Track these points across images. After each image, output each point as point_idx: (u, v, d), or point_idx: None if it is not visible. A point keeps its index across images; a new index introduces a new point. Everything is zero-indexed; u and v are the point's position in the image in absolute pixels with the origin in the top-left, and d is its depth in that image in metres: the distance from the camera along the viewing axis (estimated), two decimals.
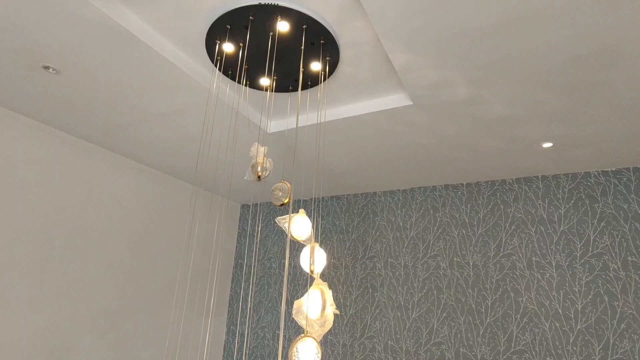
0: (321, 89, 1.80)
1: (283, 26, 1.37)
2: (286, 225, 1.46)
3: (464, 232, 2.72)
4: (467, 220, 2.73)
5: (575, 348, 2.25)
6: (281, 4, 1.30)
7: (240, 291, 3.41)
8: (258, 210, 3.62)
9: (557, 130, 1.98)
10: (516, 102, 1.74)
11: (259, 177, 1.54)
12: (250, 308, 3.30)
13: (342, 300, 2.96)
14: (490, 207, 2.70)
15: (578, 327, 2.27)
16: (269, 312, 3.24)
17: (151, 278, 2.80)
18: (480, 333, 2.48)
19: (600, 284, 2.28)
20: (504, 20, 1.27)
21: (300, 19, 1.34)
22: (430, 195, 2.88)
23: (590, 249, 2.36)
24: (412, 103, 1.79)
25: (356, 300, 2.91)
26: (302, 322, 1.14)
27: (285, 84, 1.71)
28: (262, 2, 1.29)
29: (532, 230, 2.53)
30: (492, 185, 2.71)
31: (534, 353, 2.32)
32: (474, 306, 2.55)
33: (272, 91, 1.76)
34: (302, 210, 1.48)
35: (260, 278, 3.36)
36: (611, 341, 2.18)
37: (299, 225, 1.41)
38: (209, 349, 3.13)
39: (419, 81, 1.61)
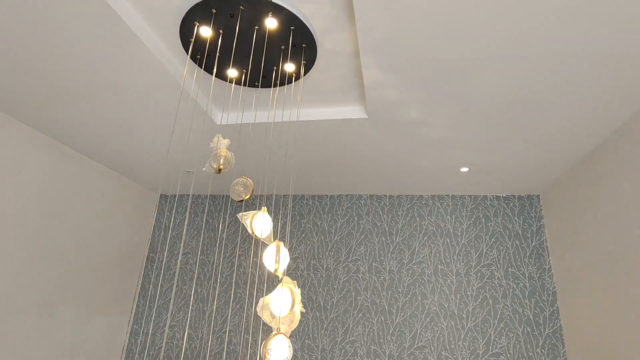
0: (301, 89, 1.82)
1: (271, 23, 1.37)
2: (248, 221, 1.45)
3: (383, 239, 2.97)
4: (387, 229, 2.99)
5: (464, 343, 2.64)
6: (277, 1, 1.30)
7: (150, 287, 3.16)
8: (175, 201, 3.41)
9: (475, 158, 2.33)
10: (451, 130, 2.00)
11: (219, 170, 1.50)
12: (157, 305, 3.07)
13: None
14: (408, 218, 3.00)
15: (468, 325, 2.67)
16: (182, 310, 3.07)
17: (45, 271, 2.43)
18: (390, 331, 2.74)
19: (487, 290, 2.71)
20: (465, 60, 1.48)
21: (289, 20, 1.36)
22: (356, 203, 3.09)
23: (482, 260, 2.80)
24: (367, 117, 1.92)
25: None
26: (267, 319, 1.16)
27: (253, 79, 1.69)
28: None
29: (440, 241, 2.89)
30: (411, 199, 3.02)
31: (432, 348, 2.65)
32: (386, 307, 2.81)
33: (244, 85, 1.71)
34: (264, 208, 1.48)
35: (174, 274, 3.16)
36: (492, 338, 2.61)
37: (261, 223, 1.40)
38: (104, 350, 2.82)
39: (380, 98, 1.75)
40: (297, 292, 1.24)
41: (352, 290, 2.88)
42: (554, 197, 2.64)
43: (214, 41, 1.45)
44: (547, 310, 2.59)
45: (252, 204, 3.14)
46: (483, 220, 2.89)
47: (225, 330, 3.00)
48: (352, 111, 1.93)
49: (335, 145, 2.24)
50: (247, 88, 1.82)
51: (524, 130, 1.96)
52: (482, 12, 1.26)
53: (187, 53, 1.55)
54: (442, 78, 1.59)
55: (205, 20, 1.38)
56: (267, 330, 2.84)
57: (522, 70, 1.52)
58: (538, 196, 2.85)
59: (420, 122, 1.94)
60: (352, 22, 1.40)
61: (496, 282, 2.72)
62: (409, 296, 2.80)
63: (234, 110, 2.08)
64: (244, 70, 1.62)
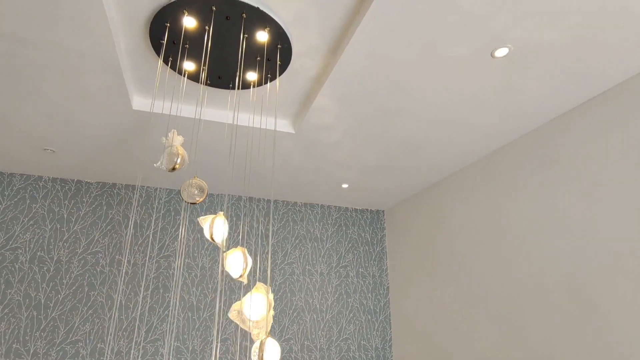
0: (275, 93, 1.81)
1: (262, 36, 1.41)
2: (206, 225, 1.44)
3: (259, 242, 3.18)
4: (263, 232, 3.20)
5: (323, 332, 3.11)
6: (277, 20, 1.35)
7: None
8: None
9: (357, 178, 2.78)
10: (353, 154, 2.38)
11: (174, 168, 1.42)
12: None
13: (124, 302, 2.73)
14: (282, 222, 3.28)
15: (326, 317, 3.17)
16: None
17: None
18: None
19: (342, 287, 3.27)
20: (397, 109, 1.84)
21: (278, 37, 1.42)
22: (235, 204, 3.18)
23: (341, 262, 3.34)
24: (294, 132, 2.10)
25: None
26: (243, 325, 1.23)
27: (210, 76, 1.65)
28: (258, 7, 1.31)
29: (308, 245, 3.29)
30: (286, 205, 3.31)
31: (296, 340, 3.02)
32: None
33: (203, 83, 1.63)
34: (221, 213, 1.48)
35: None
36: (343, 326, 3.18)
37: (219, 230, 1.42)
38: None
39: (317, 121, 1.96)
40: (270, 297, 1.32)
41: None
42: (394, 213, 3.38)
43: (191, 31, 1.38)
44: (382, 302, 3.32)
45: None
46: (344, 228, 3.43)
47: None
48: (283, 125, 2.08)
49: (249, 151, 2.32)
50: (193, 83, 1.73)
51: (401, 164, 2.51)
52: (421, 83, 1.64)
53: (149, 38, 1.40)
54: (375, 118, 1.93)
55: (193, 11, 1.31)
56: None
57: (425, 120, 2.00)
58: (383, 211, 3.58)
59: (335, 145, 2.24)
60: (327, 54, 1.57)
61: (349, 280, 3.30)
62: (279, 294, 3.10)
63: (163, 100, 1.91)
64: (204, 67, 1.57)
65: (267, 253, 3.15)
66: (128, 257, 2.84)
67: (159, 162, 1.44)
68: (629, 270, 1.60)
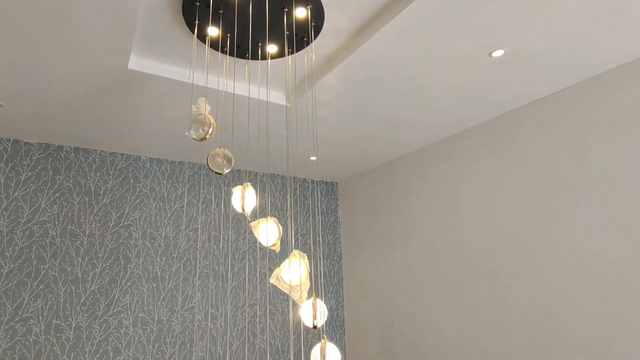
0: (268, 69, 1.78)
1: (301, 12, 1.42)
2: (237, 195, 1.46)
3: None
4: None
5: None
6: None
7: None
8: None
9: (326, 152, 2.92)
10: (333, 130, 2.51)
11: (204, 138, 1.39)
12: None
13: (80, 276, 2.54)
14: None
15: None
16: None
17: None
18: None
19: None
20: (386, 94, 2.01)
21: (315, 15, 1.44)
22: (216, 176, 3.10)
23: (300, 231, 3.49)
24: (287, 105, 2.14)
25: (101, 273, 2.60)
26: (282, 287, 1.32)
27: (224, 46, 1.60)
28: None
29: (270, 215, 3.36)
30: (249, 174, 3.32)
31: (260, 304, 3.14)
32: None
33: (227, 52, 1.56)
34: (248, 184, 1.51)
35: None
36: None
37: (251, 200, 1.45)
38: None
39: (316, 97, 2.03)
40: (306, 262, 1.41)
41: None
42: (348, 186, 3.63)
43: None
44: (336, 267, 3.59)
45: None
46: (302, 199, 3.57)
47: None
48: (278, 97, 2.10)
49: (243, 117, 2.28)
50: (202, 47, 1.65)
51: (371, 140, 2.72)
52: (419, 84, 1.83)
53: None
54: (370, 99, 2.08)
55: None
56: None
57: (409, 104, 2.21)
58: (337, 183, 3.79)
59: (321, 120, 2.33)
60: (348, 37, 1.63)
61: (307, 248, 3.49)
62: (243, 262, 3.15)
63: (170, 64, 1.77)
64: (228, 34, 1.52)
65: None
66: (84, 228, 2.62)
67: (189, 131, 1.40)
68: (560, 234, 2.05)
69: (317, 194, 3.64)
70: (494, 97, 2.17)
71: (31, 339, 2.33)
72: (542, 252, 2.13)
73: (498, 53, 1.71)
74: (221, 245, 3.08)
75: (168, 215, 2.92)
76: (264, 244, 1.47)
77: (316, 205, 3.62)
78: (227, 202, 3.19)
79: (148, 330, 2.66)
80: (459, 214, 2.60)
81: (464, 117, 2.41)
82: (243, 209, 1.47)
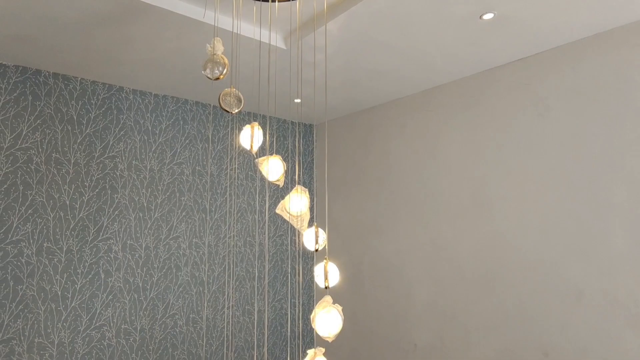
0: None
1: None
2: (246, 134, 1.58)
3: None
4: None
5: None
6: None
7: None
8: None
9: (310, 94, 3.02)
10: (323, 74, 2.60)
11: (218, 78, 1.48)
12: None
13: (68, 203, 2.59)
14: (227, 130, 3.36)
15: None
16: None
17: None
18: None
19: (279, 192, 3.64)
20: (380, 47, 2.12)
21: None
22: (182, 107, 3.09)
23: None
24: (285, 48, 2.20)
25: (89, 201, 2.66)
26: (286, 217, 1.52)
27: None
28: None
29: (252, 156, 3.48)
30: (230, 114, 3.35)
31: (240, 236, 3.35)
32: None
33: None
34: (255, 123, 1.62)
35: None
36: (279, 224, 3.63)
37: (258, 139, 1.59)
38: None
39: (314, 43, 2.10)
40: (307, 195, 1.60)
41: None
42: (325, 129, 3.79)
43: None
44: (310, 205, 3.85)
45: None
46: (282, 139, 3.69)
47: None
48: (277, 39, 2.15)
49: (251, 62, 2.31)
50: None
51: (355, 86, 2.86)
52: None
53: None
54: (363, 49, 2.18)
55: None
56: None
57: (398, 55, 2.34)
58: (313, 125, 3.93)
59: (310, 66, 2.41)
60: None
61: (285, 187, 3.69)
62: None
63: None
64: None
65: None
66: (68, 157, 2.63)
67: (205, 70, 1.47)
68: (515, 184, 2.39)
69: (297, 135, 3.78)
70: (476, 57, 2.35)
71: (23, 260, 2.42)
72: (498, 198, 2.47)
73: (488, 16, 1.86)
74: (204, 180, 3.20)
75: (152, 149, 2.96)
76: (270, 179, 1.64)
77: (294, 145, 3.77)
78: (211, 139, 3.26)
79: (136, 255, 2.82)
80: (432, 162, 2.88)
81: (446, 72, 2.59)
82: (251, 147, 1.61)
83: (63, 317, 2.51)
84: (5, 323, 2.34)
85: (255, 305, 3.31)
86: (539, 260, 2.25)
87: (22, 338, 2.38)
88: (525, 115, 2.38)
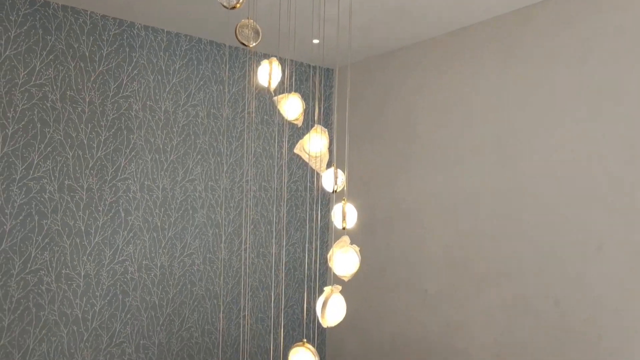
0: None
1: None
2: (264, 69, 1.51)
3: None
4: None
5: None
6: None
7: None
8: None
9: (329, 35, 2.87)
10: (344, 13, 2.44)
11: (234, 7, 1.39)
12: None
13: (86, 142, 2.60)
14: (242, 72, 3.25)
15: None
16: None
17: None
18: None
19: (295, 137, 3.59)
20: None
21: None
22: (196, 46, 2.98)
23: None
24: None
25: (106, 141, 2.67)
26: (305, 157, 1.49)
27: None
28: None
29: (266, 96, 3.39)
30: (245, 53, 3.23)
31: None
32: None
33: None
34: (274, 58, 1.54)
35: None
36: (294, 171, 3.62)
37: (276, 75, 1.51)
38: None
39: None
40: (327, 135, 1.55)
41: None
42: (345, 73, 3.64)
43: None
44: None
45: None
46: (298, 83, 3.58)
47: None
48: None
49: None
50: None
51: (379, 27, 2.69)
52: None
53: None
54: (381, 12, 1.99)
55: None
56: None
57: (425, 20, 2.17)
58: (333, 70, 3.78)
59: (330, 2, 2.26)
60: None
61: (301, 132, 3.63)
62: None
63: None
64: None
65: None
66: (83, 95, 2.59)
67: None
68: (543, 132, 2.29)
69: (317, 76, 3.65)
70: None
71: (46, 196, 2.49)
72: (524, 147, 2.38)
73: None
74: (219, 123, 3.16)
75: (167, 90, 2.90)
76: (289, 118, 1.58)
77: (313, 88, 3.66)
78: (227, 80, 3.17)
79: (154, 196, 2.87)
80: (457, 108, 2.76)
81: (477, 9, 2.39)
82: (269, 84, 1.54)
83: (88, 251, 2.62)
84: (33, 255, 2.46)
85: (273, 247, 3.39)
86: (561, 210, 2.21)
87: (49, 269, 2.50)
88: (563, 58, 2.22)
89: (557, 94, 2.23)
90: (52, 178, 2.51)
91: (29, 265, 2.44)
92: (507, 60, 2.46)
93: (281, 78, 1.59)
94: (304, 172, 3.63)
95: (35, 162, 2.46)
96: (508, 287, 2.43)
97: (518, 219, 2.39)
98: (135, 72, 2.77)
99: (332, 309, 1.24)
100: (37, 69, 2.44)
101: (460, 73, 2.71)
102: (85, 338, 2.61)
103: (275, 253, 3.37)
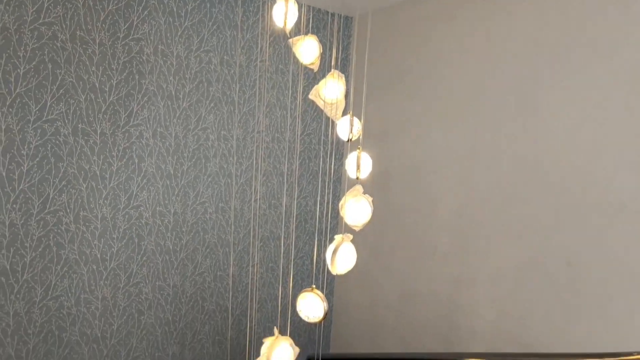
0: None
1: None
2: (280, 8, 1.42)
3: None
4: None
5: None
6: None
7: None
8: None
9: None
10: None
11: None
12: None
13: (98, 85, 2.56)
14: (257, 17, 3.10)
15: (294, 114, 3.45)
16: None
17: None
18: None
19: (309, 87, 3.48)
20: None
21: None
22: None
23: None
24: None
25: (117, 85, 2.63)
26: (320, 103, 1.43)
27: None
28: None
29: (282, 44, 3.25)
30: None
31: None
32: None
33: None
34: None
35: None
36: (308, 123, 3.55)
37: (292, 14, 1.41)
38: None
39: None
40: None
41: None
42: (364, 21, 3.44)
43: None
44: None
45: None
46: (315, 31, 3.41)
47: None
48: None
49: None
50: None
51: None
52: None
53: None
54: None
55: None
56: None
57: None
58: (352, 18, 3.58)
59: None
60: None
61: (316, 81, 3.51)
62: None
63: None
64: None
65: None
66: (93, 36, 2.52)
67: None
68: (576, 87, 2.15)
69: (334, 27, 3.47)
70: None
71: (61, 139, 2.49)
72: (550, 105, 2.25)
73: None
74: (233, 71, 3.06)
75: (179, 33, 2.80)
76: (304, 61, 1.50)
77: (328, 39, 3.49)
78: (240, 26, 3.04)
79: (167, 143, 2.86)
80: (480, 61, 2.60)
81: None
82: (285, 24, 1.45)
83: (104, 195, 2.67)
84: (52, 196, 2.51)
85: (284, 199, 3.41)
86: (584, 171, 2.12)
87: (67, 210, 2.56)
88: (606, 5, 2.03)
89: (595, 46, 2.07)
90: (66, 121, 2.50)
91: (47, 206, 2.50)
92: (539, 8, 2.26)
93: (297, 18, 1.49)
94: (318, 125, 3.55)
95: (48, 104, 2.44)
96: (520, 247, 2.40)
97: (538, 179, 2.31)
98: (145, 13, 2.66)
99: (342, 257, 1.24)
100: (46, 5, 2.35)
101: (487, 21, 2.53)
102: (104, 276, 2.73)
103: (286, 205, 3.39)
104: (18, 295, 2.48)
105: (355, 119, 1.44)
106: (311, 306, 1.20)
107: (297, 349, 1.21)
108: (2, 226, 2.40)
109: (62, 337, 2.64)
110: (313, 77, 3.49)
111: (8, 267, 2.43)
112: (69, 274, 2.61)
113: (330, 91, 1.50)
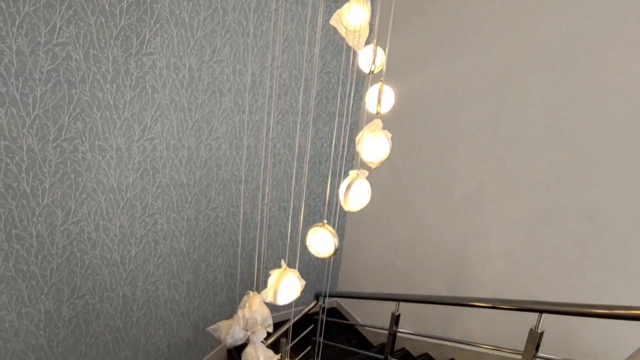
0: None
1: None
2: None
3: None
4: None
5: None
6: None
7: None
8: None
9: None
10: None
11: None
12: None
13: (112, 101, 2.42)
14: None
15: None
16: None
17: None
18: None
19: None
20: None
21: None
22: None
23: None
24: None
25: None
26: (341, 31, 1.30)
27: None
28: None
29: None
30: None
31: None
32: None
33: None
34: None
35: None
36: (321, 91, 3.37)
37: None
38: None
39: None
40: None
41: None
42: None
43: None
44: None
45: None
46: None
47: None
48: None
49: None
50: None
51: None
52: None
53: None
54: None
55: None
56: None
57: None
58: None
59: None
60: None
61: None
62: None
63: None
64: None
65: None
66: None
67: None
68: (613, 41, 1.94)
69: None
70: None
71: (73, 65, 2.42)
72: (591, 55, 2.05)
73: None
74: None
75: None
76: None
77: None
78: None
79: (180, 75, 2.76)
80: (529, 21, 2.35)
81: None
82: None
83: (118, 125, 2.64)
84: (66, 124, 2.49)
85: (297, 138, 3.34)
86: (618, 119, 1.97)
87: (83, 139, 2.56)
88: None
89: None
90: (77, 45, 2.41)
91: (63, 133, 2.50)
92: None
93: None
94: (338, 63, 3.37)
95: (57, 25, 2.34)
96: (540, 199, 2.32)
97: (568, 130, 2.17)
98: None
99: (356, 193, 1.19)
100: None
101: None
102: (121, 205, 2.79)
103: (301, 145, 3.33)
104: (40, 218, 2.56)
105: (380, 49, 1.32)
106: (321, 241, 1.18)
107: (304, 282, 1.21)
108: (20, 150, 2.42)
109: (84, 260, 2.78)
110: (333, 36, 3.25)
111: (29, 190, 2.49)
112: (87, 201, 2.67)
113: (354, 17, 1.36)
